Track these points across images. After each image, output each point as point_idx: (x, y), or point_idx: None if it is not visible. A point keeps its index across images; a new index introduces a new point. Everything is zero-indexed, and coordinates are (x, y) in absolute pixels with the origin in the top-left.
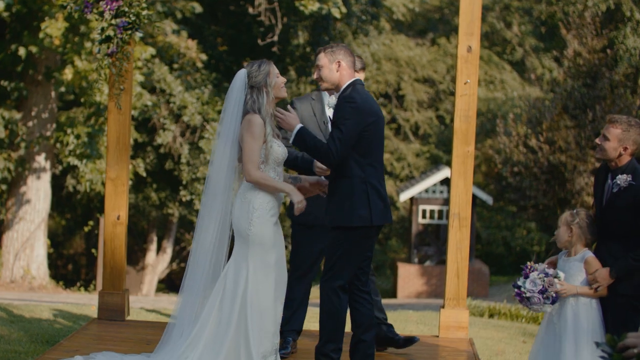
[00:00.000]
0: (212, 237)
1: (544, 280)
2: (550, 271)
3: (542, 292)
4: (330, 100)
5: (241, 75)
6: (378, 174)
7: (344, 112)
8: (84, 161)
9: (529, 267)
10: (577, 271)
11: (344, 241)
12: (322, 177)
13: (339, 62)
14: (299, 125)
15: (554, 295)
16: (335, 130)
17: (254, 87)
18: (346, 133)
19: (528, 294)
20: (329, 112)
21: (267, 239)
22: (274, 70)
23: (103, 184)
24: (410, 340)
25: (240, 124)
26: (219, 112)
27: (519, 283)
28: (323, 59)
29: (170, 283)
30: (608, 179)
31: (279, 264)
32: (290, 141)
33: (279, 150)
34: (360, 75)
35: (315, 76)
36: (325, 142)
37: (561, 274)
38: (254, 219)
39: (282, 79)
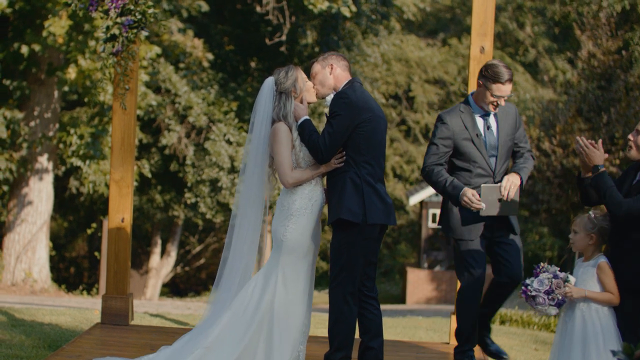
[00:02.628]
0: (248, 242)
1: (551, 282)
2: (561, 274)
3: (547, 292)
4: (327, 99)
5: (269, 83)
6: (375, 173)
7: (336, 107)
8: (87, 162)
9: (540, 267)
10: (590, 277)
11: (345, 245)
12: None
13: (331, 65)
14: (305, 117)
15: (560, 297)
16: (327, 125)
17: (283, 94)
18: (336, 128)
19: (533, 293)
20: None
21: (301, 247)
22: (302, 75)
23: (107, 185)
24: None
25: (269, 131)
26: (225, 113)
27: (527, 282)
28: (316, 66)
29: (175, 287)
30: (637, 176)
31: (309, 272)
32: (295, 128)
33: (309, 153)
34: (507, 88)
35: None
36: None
37: (572, 278)
38: (289, 224)
39: (311, 83)
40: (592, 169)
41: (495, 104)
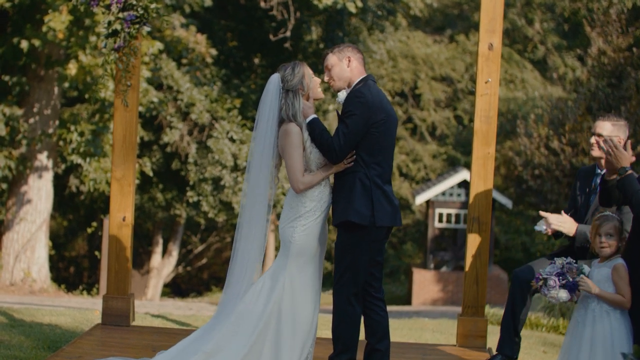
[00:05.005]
0: (256, 243)
1: (563, 265)
2: (575, 264)
3: (559, 275)
4: (339, 95)
5: (274, 79)
6: (384, 175)
7: (352, 106)
8: (88, 160)
9: (555, 260)
10: (606, 278)
11: (349, 246)
12: None
13: (348, 57)
14: (313, 116)
15: (571, 280)
16: (341, 124)
17: (290, 91)
18: (351, 128)
19: (545, 276)
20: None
21: (309, 248)
22: (309, 71)
23: (108, 183)
24: None
25: (276, 130)
26: (229, 110)
27: (541, 270)
28: (332, 58)
29: (176, 287)
30: None
31: (317, 274)
32: (304, 127)
33: (319, 154)
34: (601, 124)
35: (326, 78)
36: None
37: (586, 268)
38: (298, 226)
39: (317, 80)
40: (618, 171)
41: (593, 145)
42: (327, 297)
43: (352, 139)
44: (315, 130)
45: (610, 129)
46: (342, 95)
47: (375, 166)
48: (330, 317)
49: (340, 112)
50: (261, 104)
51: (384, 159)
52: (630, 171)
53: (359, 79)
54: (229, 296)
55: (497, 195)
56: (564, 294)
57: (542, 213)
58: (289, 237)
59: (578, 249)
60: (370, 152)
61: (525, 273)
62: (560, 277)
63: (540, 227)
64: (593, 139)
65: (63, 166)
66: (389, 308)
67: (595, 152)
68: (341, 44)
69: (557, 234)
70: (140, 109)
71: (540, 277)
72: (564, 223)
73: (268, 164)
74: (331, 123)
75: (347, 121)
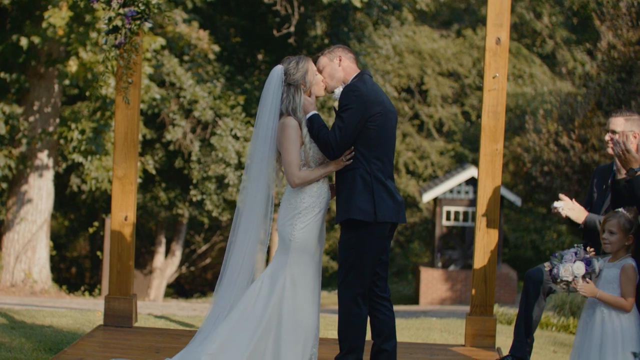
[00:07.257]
0: (251, 240)
1: (577, 251)
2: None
3: (576, 253)
4: (335, 92)
5: (277, 71)
6: (385, 169)
7: (347, 100)
8: (89, 158)
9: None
10: (616, 278)
11: (353, 245)
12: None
13: (339, 57)
14: (313, 112)
15: (588, 257)
16: (337, 119)
17: (291, 85)
18: (348, 122)
19: (562, 253)
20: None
21: (309, 246)
22: (313, 67)
23: (109, 181)
24: None
25: (277, 124)
26: (232, 107)
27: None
28: (322, 60)
29: (180, 288)
30: None
31: (317, 272)
32: (303, 123)
33: (319, 151)
34: (615, 120)
35: None
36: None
37: (600, 262)
38: (297, 223)
39: (320, 77)
40: (627, 172)
41: (608, 143)
42: (333, 297)
43: (349, 133)
44: (314, 126)
45: (624, 124)
46: (338, 91)
47: (375, 161)
48: (336, 317)
49: (336, 109)
50: (263, 97)
51: (384, 154)
52: (639, 172)
53: (354, 76)
54: (223, 293)
55: (505, 192)
56: (580, 266)
57: (562, 195)
58: (288, 235)
59: (589, 238)
60: (368, 147)
61: (537, 273)
62: (576, 254)
63: (558, 204)
64: (607, 136)
65: (64, 165)
66: (397, 308)
67: (611, 150)
68: (332, 45)
69: (574, 223)
70: (142, 106)
71: (557, 254)
72: (572, 209)
73: (270, 158)
74: None
75: (343, 115)
